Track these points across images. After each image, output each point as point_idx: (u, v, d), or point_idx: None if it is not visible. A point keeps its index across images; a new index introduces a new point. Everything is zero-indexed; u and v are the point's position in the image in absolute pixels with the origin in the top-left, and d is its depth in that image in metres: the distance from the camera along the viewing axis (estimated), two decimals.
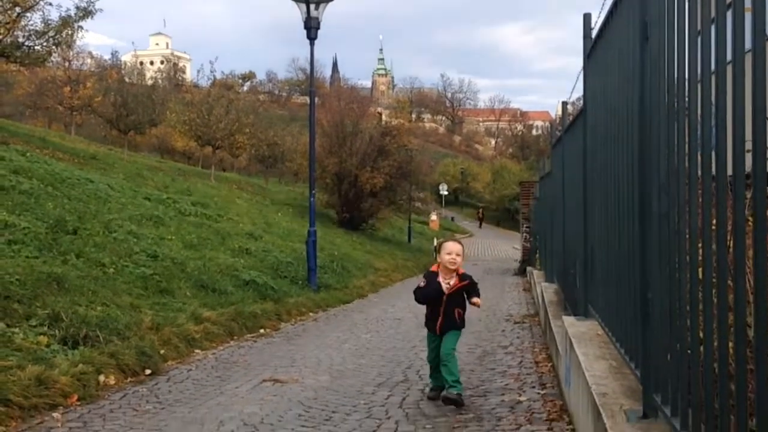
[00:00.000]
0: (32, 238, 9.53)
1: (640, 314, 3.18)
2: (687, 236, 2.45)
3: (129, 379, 6.60)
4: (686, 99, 2.48)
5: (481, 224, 67.68)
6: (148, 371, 6.86)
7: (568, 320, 5.62)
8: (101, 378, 6.26)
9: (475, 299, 5.97)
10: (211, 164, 37.18)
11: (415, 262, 26.35)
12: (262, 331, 9.90)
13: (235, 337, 9.21)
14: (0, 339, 6.16)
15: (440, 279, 5.86)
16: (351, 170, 30.38)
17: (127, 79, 40.58)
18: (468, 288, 5.97)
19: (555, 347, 6.76)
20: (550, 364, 7.19)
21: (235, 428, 5.15)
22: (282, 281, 13.41)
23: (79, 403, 5.72)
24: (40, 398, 5.43)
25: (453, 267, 5.83)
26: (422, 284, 5.98)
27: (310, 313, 12.09)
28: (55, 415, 5.36)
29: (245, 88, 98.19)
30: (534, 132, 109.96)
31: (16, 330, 6.52)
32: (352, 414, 5.57)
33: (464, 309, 5.99)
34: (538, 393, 6.05)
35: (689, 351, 2.40)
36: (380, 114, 55.28)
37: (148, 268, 10.32)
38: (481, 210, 70.76)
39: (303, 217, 25.07)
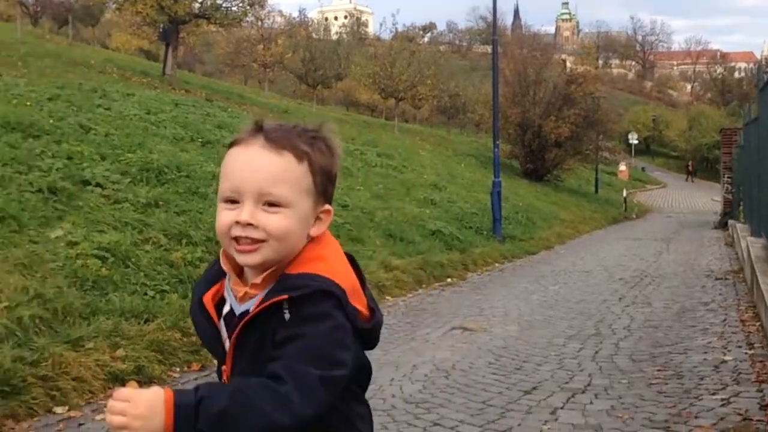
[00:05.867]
0: None
1: None
2: None
3: None
4: None
5: (689, 177, 60.98)
6: None
7: None
8: None
9: None
10: (395, 116, 37.80)
11: (602, 213, 25.48)
12: (449, 280, 10.05)
13: (423, 286, 9.42)
14: None
15: (226, 289, 1.43)
16: (534, 120, 29.67)
17: (314, 36, 41.96)
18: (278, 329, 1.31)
19: (764, 305, 6.29)
20: (758, 324, 6.70)
21: (428, 372, 5.30)
22: (467, 231, 13.48)
23: None
24: None
25: (242, 249, 1.33)
26: None
27: (496, 264, 12.09)
28: None
29: (426, 39, 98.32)
30: (736, 75, 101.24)
31: None
32: (543, 365, 5.54)
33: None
34: (745, 353, 5.68)
35: None
36: (564, 61, 53.39)
37: (340, 218, 10.76)
38: (691, 162, 63.81)
39: (486, 167, 24.94)
